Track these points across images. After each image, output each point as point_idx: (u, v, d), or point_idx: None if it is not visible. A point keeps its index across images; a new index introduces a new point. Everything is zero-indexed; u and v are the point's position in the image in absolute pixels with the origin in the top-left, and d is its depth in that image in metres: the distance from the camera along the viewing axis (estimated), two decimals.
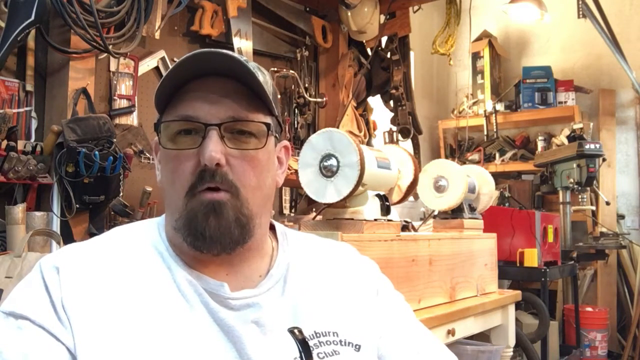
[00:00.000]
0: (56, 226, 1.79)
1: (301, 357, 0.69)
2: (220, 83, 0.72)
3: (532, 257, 2.70)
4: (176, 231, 0.73)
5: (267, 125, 0.74)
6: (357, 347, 0.76)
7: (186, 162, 0.71)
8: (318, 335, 0.74)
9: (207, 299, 0.71)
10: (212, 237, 0.70)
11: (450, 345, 1.85)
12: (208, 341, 0.69)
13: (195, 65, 0.71)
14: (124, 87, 2.18)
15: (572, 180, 3.40)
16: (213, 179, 0.70)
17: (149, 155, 2.20)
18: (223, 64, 0.71)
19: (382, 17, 3.12)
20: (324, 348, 0.73)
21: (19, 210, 1.67)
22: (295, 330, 0.71)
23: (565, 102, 4.15)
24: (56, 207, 1.79)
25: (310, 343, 0.72)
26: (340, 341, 0.75)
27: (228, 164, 0.71)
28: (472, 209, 2.17)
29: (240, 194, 0.71)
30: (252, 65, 0.73)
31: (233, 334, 0.70)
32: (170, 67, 0.71)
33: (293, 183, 2.20)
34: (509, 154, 4.30)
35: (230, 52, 0.71)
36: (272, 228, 0.85)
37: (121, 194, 1.92)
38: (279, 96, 0.87)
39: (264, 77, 0.74)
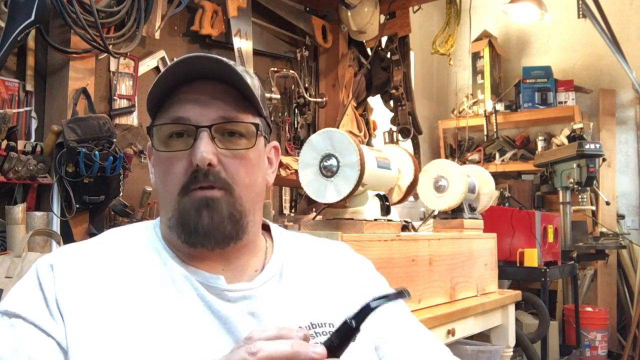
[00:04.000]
0: (56, 226, 1.79)
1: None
2: (209, 86, 0.74)
3: (532, 257, 2.70)
4: (170, 230, 0.75)
5: (256, 125, 0.76)
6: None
7: (178, 164, 0.73)
8: (314, 326, 0.75)
9: (203, 292, 0.72)
10: (206, 231, 0.72)
11: (450, 345, 1.85)
12: (205, 332, 0.70)
13: (184, 69, 0.73)
14: (124, 87, 2.18)
15: (572, 180, 3.40)
16: (206, 178, 0.72)
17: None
18: (212, 67, 0.73)
19: (382, 17, 3.12)
20: (320, 338, 0.74)
21: (19, 210, 1.67)
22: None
23: (565, 102, 4.15)
24: (56, 207, 1.79)
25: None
26: None
27: (220, 164, 0.73)
28: (472, 209, 2.17)
29: (234, 192, 0.73)
30: (240, 68, 0.75)
31: (230, 325, 0.71)
32: (157, 76, 0.73)
33: (293, 183, 2.20)
34: (509, 154, 4.30)
35: (218, 56, 0.73)
36: (267, 228, 0.87)
37: (121, 194, 1.92)
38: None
39: (252, 80, 0.76)
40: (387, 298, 0.56)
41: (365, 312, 0.55)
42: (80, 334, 0.66)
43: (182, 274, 0.73)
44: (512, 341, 2.19)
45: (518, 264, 2.73)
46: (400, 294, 0.57)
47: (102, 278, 0.71)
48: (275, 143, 0.86)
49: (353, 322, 0.55)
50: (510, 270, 2.76)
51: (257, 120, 0.77)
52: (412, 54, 3.48)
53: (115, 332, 0.66)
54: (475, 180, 2.18)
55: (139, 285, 0.71)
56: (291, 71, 2.84)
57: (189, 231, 0.72)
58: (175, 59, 0.72)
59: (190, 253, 0.75)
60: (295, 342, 0.53)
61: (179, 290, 0.72)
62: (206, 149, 0.70)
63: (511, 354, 2.21)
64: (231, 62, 0.73)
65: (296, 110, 2.91)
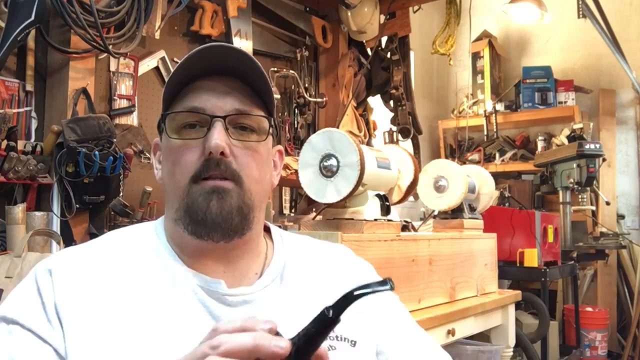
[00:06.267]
0: (56, 226, 1.79)
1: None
2: (225, 80, 0.75)
3: (532, 257, 2.70)
4: (176, 222, 0.74)
5: (268, 119, 0.76)
6: (353, 342, 0.77)
7: (190, 152, 0.73)
8: None
9: (203, 297, 0.71)
10: (214, 220, 0.71)
11: (450, 345, 1.85)
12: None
13: (206, 59, 0.73)
14: (124, 87, 2.18)
15: (572, 180, 3.40)
16: (218, 167, 0.71)
17: (148, 155, 2.20)
18: (235, 58, 0.74)
19: (382, 17, 3.12)
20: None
21: (19, 210, 1.67)
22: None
23: (565, 102, 4.15)
24: (56, 207, 1.79)
25: None
26: (337, 337, 0.75)
27: (232, 154, 0.73)
28: (472, 209, 2.17)
29: (243, 184, 0.73)
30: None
31: None
32: (179, 62, 0.74)
33: (293, 183, 2.20)
34: (509, 154, 4.30)
35: (241, 49, 0.74)
36: (267, 230, 0.86)
37: (121, 194, 1.92)
38: (274, 96, 0.89)
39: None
40: (369, 287, 0.51)
41: (344, 302, 0.50)
42: (79, 340, 0.65)
43: (182, 277, 0.73)
44: (512, 341, 2.19)
45: (518, 264, 2.73)
46: (384, 282, 0.51)
47: (101, 283, 0.70)
48: (280, 147, 0.86)
49: (330, 312, 0.50)
50: (510, 270, 2.76)
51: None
52: (412, 54, 3.48)
53: (115, 338, 0.66)
54: (475, 180, 2.18)
55: (139, 291, 0.70)
56: (291, 71, 2.84)
57: (196, 220, 0.71)
58: (198, 47, 0.73)
59: (193, 250, 0.74)
60: (258, 334, 0.49)
61: (179, 295, 0.71)
62: (220, 137, 0.71)
63: (511, 354, 2.21)
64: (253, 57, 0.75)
65: (296, 110, 2.91)
